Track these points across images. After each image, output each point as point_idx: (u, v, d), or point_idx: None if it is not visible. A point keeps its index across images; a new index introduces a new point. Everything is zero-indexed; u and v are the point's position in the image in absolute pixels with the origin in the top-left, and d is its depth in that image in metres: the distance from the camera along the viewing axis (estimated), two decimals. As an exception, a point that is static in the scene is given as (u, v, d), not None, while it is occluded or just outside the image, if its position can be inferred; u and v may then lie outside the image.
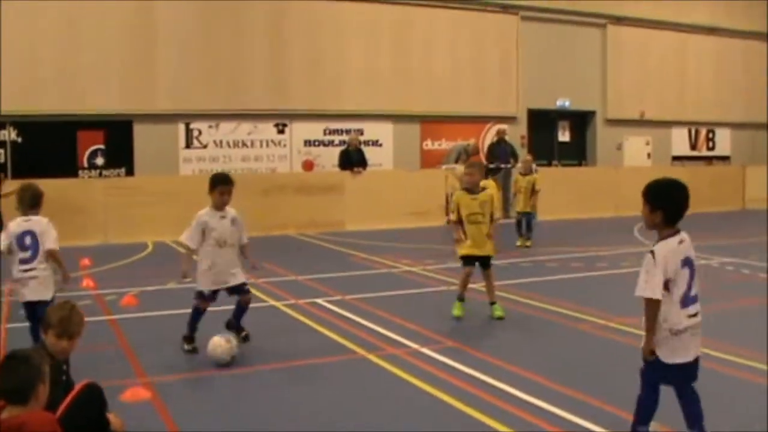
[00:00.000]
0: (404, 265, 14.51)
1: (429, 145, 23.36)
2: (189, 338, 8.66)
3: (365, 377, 7.67)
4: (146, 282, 12.60)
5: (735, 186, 27.38)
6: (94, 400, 5.34)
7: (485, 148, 23.57)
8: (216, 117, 21.01)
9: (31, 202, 8.18)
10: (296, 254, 16.66)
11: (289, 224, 19.67)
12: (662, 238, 5.40)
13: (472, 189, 10.34)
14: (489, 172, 22.86)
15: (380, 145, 22.69)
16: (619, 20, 26.30)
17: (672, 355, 5.32)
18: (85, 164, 20.18)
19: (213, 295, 8.75)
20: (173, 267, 13.82)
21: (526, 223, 17.30)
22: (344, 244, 17.37)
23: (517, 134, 24.25)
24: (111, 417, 5.47)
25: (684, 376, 5.43)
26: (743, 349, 8.22)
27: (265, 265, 13.44)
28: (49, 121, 19.56)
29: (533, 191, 17.27)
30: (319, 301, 11.22)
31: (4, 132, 19.36)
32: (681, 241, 5.42)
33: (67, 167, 19.80)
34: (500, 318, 10.08)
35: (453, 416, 6.51)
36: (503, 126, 23.60)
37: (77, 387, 5.24)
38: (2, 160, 19.27)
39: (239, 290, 8.86)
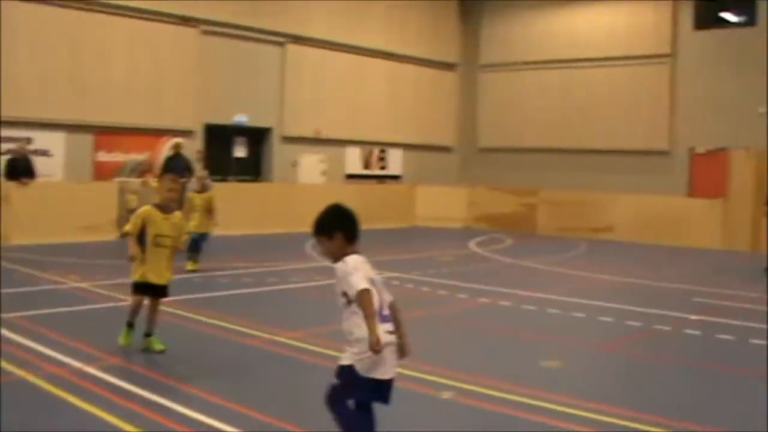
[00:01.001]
0: (71, 280, 14.02)
1: (103, 156, 22.72)
2: None
3: (24, 400, 7.33)
4: None
5: (406, 204, 28.64)
6: None
7: (161, 162, 23.24)
8: None
9: None
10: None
11: (-53, 237, 18.52)
12: (347, 255, 5.50)
13: (166, 207, 9.26)
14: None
15: (51, 155, 21.78)
16: (298, 40, 26.79)
17: (373, 369, 5.33)
18: None
19: None
20: None
21: (195, 244, 15.41)
22: (8, 259, 16.51)
23: (193, 148, 24.07)
24: None
25: (381, 394, 5.47)
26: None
27: None
28: None
29: (210, 210, 16.02)
30: (-23, 319, 10.63)
31: None
32: (364, 261, 5.54)
33: None
34: (162, 351, 9.05)
35: (113, 436, 6.38)
36: (180, 139, 23.37)
37: None
38: None
39: None
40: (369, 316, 5.20)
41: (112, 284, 13.65)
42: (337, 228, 5.53)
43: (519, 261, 19.18)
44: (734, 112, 25.56)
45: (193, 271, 15.32)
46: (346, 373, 5.38)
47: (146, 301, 9.29)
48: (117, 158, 22.75)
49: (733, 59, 25.76)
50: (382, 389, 5.43)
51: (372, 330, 5.15)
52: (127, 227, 9.21)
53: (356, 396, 5.53)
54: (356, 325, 5.30)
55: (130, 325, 9.28)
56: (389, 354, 5.38)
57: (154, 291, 9.26)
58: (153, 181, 21.93)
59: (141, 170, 22.57)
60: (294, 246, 19.86)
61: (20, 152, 20.44)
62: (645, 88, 27.72)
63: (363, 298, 5.23)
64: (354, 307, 5.32)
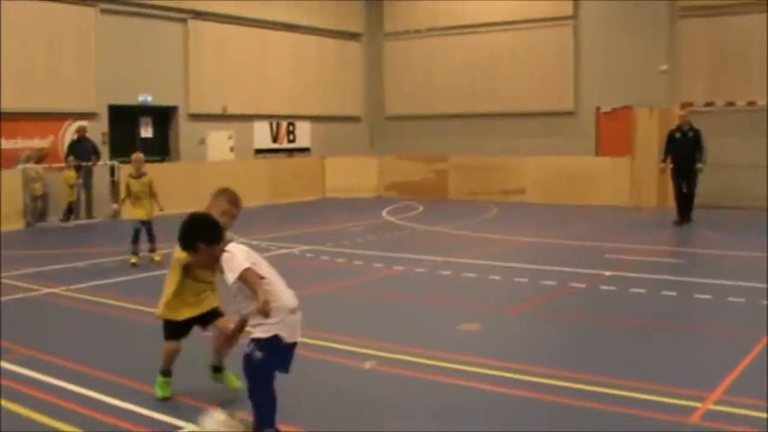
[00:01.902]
0: (-21, 273, 13.68)
1: (4, 144, 22.14)
2: None
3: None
4: None
5: (316, 177, 28.55)
6: None
7: (65, 146, 22.78)
8: None
9: None
10: None
11: None
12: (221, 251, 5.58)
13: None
14: (78, 171, 22.26)
15: (-52, 145, 21.19)
16: (199, 15, 26.40)
17: (292, 333, 5.52)
18: None
19: None
20: None
21: (147, 233, 14.54)
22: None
23: (98, 131, 23.63)
24: None
25: (291, 356, 5.63)
26: (346, 335, 8.59)
27: None
28: None
29: (151, 194, 14.77)
30: None
31: None
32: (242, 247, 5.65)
33: None
34: (236, 390, 6.82)
35: (28, 427, 6.26)
36: (83, 123, 22.93)
37: None
38: None
39: None
40: (258, 292, 5.32)
41: (21, 275, 13.33)
42: (200, 240, 5.60)
43: (432, 227, 19.28)
44: (637, 71, 25.93)
45: (145, 262, 14.27)
46: (270, 343, 5.45)
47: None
48: (19, 145, 22.18)
49: (634, 19, 26.10)
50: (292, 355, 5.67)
51: (262, 299, 5.28)
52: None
53: (282, 368, 5.64)
54: (266, 293, 5.36)
55: (167, 373, 7.04)
56: (298, 318, 5.63)
57: (204, 322, 7.16)
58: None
59: (38, 157, 22.02)
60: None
61: None
62: (549, 50, 27.97)
63: (243, 280, 5.37)
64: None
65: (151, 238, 14.63)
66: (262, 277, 5.41)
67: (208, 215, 5.88)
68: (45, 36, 22.69)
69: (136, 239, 14.42)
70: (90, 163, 22.45)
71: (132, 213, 14.90)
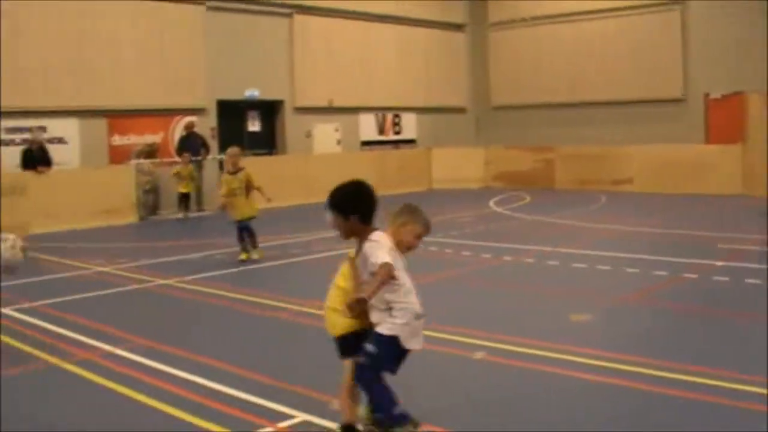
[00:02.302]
0: (95, 265, 14.05)
1: (117, 140, 22.70)
2: None
3: (59, 385, 7.37)
4: None
5: (422, 168, 28.54)
6: None
7: (176, 142, 23.25)
8: None
9: None
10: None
11: (-31, 230, 18.52)
12: (366, 238, 5.34)
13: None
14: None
15: (66, 142, 21.80)
16: (304, 10, 26.62)
17: (412, 339, 5.36)
18: None
19: None
20: None
21: (246, 230, 14.03)
22: (30, 248, 16.53)
23: (207, 126, 24.06)
24: None
25: (403, 360, 5.45)
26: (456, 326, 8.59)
27: None
28: None
29: (249, 189, 14.15)
30: (6, 310, 10.65)
31: None
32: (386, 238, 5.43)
33: None
34: None
35: (146, 413, 6.42)
36: (192, 118, 23.37)
37: None
38: None
39: None
40: (372, 291, 5.08)
41: (135, 266, 13.70)
42: (353, 211, 5.36)
43: (540, 217, 19.11)
44: (747, 55, 25.26)
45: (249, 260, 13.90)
46: (388, 342, 5.32)
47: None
48: (131, 141, 22.73)
49: (743, 2, 25.43)
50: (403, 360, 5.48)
51: (371, 292, 5.07)
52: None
53: (391, 368, 5.44)
54: (397, 293, 5.29)
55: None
56: (422, 325, 5.47)
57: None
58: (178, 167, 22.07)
59: (149, 152, 22.52)
60: (314, 216, 19.66)
61: (35, 141, 20.45)
62: (656, 36, 27.44)
63: (379, 270, 5.10)
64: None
65: (251, 234, 14.03)
66: (393, 278, 5.19)
67: (373, 191, 5.47)
68: (155, 35, 23.18)
69: (241, 237, 14.02)
70: (199, 158, 22.87)
71: (231, 214, 14.20)
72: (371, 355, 5.30)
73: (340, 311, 5.40)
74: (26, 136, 20.74)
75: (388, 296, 5.29)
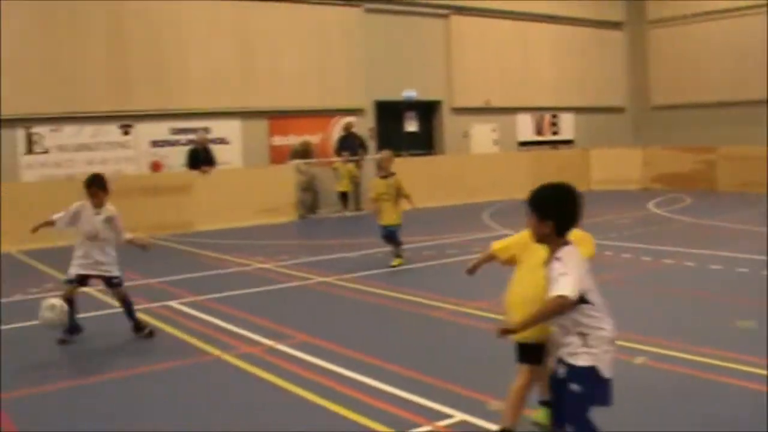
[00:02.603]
0: (257, 262, 14.37)
1: (278, 141, 23.18)
2: (70, 329, 9.09)
3: (221, 378, 7.57)
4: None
5: (580, 169, 28.07)
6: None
7: (334, 142, 23.58)
8: (57, 120, 20.35)
9: None
10: (147, 257, 16.25)
11: (137, 227, 19.03)
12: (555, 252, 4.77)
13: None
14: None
15: (228, 142, 22.40)
16: (461, 10, 26.63)
17: (610, 367, 4.87)
18: None
19: (81, 280, 9.29)
20: (21, 280, 13.43)
21: (393, 236, 13.61)
22: (195, 245, 17.11)
23: (365, 126, 24.32)
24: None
25: (609, 390, 4.92)
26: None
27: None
28: None
29: (399, 196, 13.65)
30: (172, 303, 11.02)
31: None
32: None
33: None
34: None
35: (308, 409, 6.51)
36: (351, 118, 23.66)
37: None
38: None
39: (110, 283, 9.36)
40: (535, 320, 4.76)
41: (295, 264, 13.95)
42: (549, 216, 4.79)
43: (701, 220, 18.54)
44: None
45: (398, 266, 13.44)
46: (589, 375, 4.78)
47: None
48: (291, 141, 23.16)
49: None
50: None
51: (531, 317, 4.75)
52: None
53: (603, 401, 4.91)
54: (591, 318, 4.76)
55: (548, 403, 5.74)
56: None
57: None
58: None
59: (304, 152, 22.85)
60: (471, 217, 19.81)
61: (201, 142, 21.11)
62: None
63: (554, 303, 4.60)
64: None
65: (396, 242, 13.64)
66: (585, 301, 4.68)
67: (578, 199, 4.87)
68: (315, 37, 23.58)
69: (389, 242, 13.69)
70: (357, 158, 23.12)
71: (378, 218, 13.74)
72: (577, 394, 4.78)
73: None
74: (192, 137, 21.43)
75: (581, 319, 4.75)
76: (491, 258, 5.99)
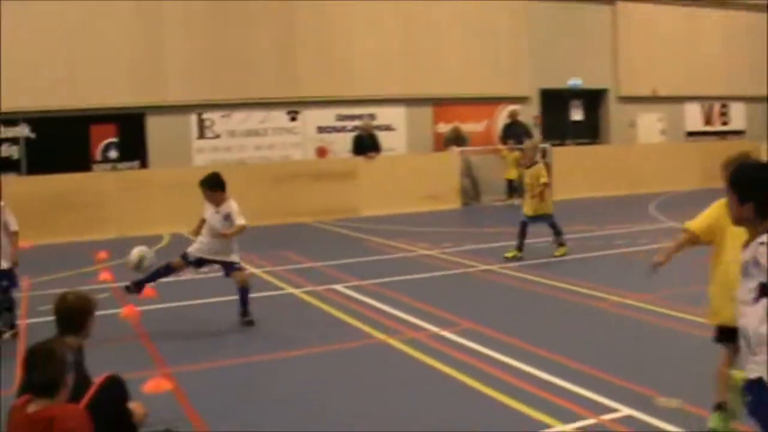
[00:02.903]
0: (421, 248, 14.49)
1: (442, 128, 23.27)
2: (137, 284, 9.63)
3: (385, 361, 7.70)
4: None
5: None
6: (116, 392, 5.36)
7: (499, 130, 23.50)
8: (228, 106, 21.00)
9: None
10: (312, 241, 16.67)
11: (304, 212, 19.63)
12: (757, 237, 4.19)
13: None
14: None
15: (393, 129, 22.63)
16: (629, -3, 26.16)
17: None
18: (99, 158, 20.20)
19: (198, 262, 9.71)
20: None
21: (549, 227, 13.38)
22: (360, 230, 17.36)
23: (529, 114, 24.16)
24: (135, 406, 5.48)
25: None
26: None
27: (282, 253, 13.79)
28: (62, 117, 19.59)
29: (540, 185, 13.33)
30: (337, 287, 11.23)
31: (18, 129, 19.40)
32: None
33: (81, 161, 19.82)
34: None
35: (473, 397, 6.55)
36: (515, 106, 23.54)
37: (99, 379, 5.24)
38: (16, 156, 19.31)
39: (230, 268, 9.50)
40: None
41: (459, 251, 14.00)
42: (750, 197, 4.24)
43: None
44: None
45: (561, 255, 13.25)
46: (755, 388, 4.12)
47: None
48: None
49: None
50: None
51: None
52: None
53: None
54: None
55: (723, 407, 5.56)
56: None
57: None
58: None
59: (454, 138, 22.79)
60: (638, 208, 19.42)
61: (366, 129, 21.38)
62: None
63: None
64: None
65: (555, 231, 13.34)
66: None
67: None
68: (480, 24, 23.54)
69: (520, 232, 13.25)
70: (521, 146, 22.96)
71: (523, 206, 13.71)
72: (749, 404, 4.20)
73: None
74: (357, 123, 21.73)
75: (754, 323, 4.14)
76: (690, 242, 5.78)
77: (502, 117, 23.78)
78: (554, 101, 25.21)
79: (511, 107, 23.52)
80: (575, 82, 25.19)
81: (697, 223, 5.75)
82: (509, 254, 13.09)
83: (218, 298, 10.40)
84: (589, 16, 25.58)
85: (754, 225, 4.27)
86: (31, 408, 4.30)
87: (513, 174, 22.42)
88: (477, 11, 23.49)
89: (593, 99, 26.35)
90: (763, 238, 4.13)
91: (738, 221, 4.39)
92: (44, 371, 4.32)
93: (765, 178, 4.31)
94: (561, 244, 13.38)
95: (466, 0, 23.29)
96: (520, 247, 13.14)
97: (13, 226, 9.26)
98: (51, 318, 5.24)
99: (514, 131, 22.94)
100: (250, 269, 12.22)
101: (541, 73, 24.36)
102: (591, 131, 26.37)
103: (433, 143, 23.09)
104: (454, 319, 9.03)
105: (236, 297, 9.34)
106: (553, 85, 24.78)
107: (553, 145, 22.73)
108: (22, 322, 9.57)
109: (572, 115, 26.09)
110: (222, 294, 10.19)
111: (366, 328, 8.82)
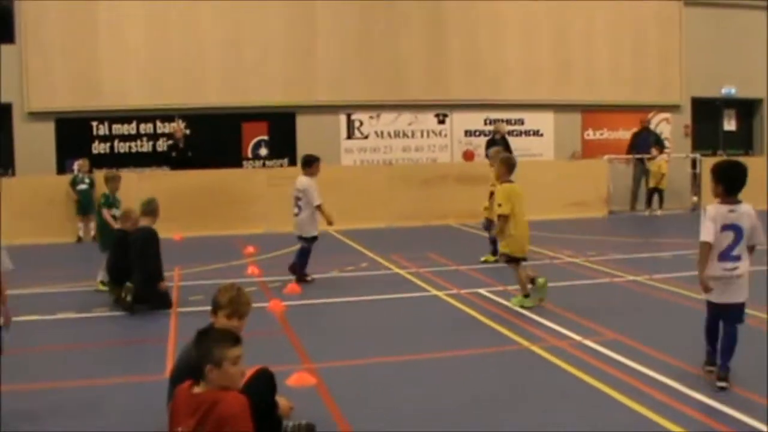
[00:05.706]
0: (565, 255, 14.39)
1: (590, 134, 23.03)
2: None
3: (528, 368, 7.68)
4: (311, 270, 12.72)
5: None
6: (266, 385, 5.53)
7: (630, 137, 23.04)
8: (377, 108, 21.28)
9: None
10: (456, 244, 16.71)
11: (449, 214, 19.69)
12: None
13: None
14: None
15: (541, 135, 22.52)
16: (787, 2, 25.34)
17: (718, 296, 6.92)
18: (250, 155, 20.72)
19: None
20: (336, 256, 14.16)
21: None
22: (503, 235, 17.26)
23: (680, 123, 23.67)
24: (281, 400, 5.64)
25: (727, 315, 6.97)
26: None
27: (427, 255, 14.04)
28: (215, 114, 20.16)
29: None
30: (482, 291, 11.26)
31: (173, 124, 20.05)
32: (731, 210, 6.77)
33: (233, 158, 20.37)
34: None
35: (612, 407, 6.48)
36: (665, 114, 23.14)
37: (250, 371, 5.40)
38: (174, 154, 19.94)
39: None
40: (699, 269, 6.90)
41: (604, 260, 13.83)
42: (719, 181, 6.86)
43: None
44: None
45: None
46: None
47: None
48: (604, 136, 22.94)
49: None
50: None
51: (699, 276, 6.89)
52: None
53: None
54: None
55: None
56: (722, 285, 6.98)
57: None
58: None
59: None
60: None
61: (498, 132, 21.14)
62: None
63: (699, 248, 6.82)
64: None
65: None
66: None
67: (741, 168, 7.12)
68: (630, 31, 23.23)
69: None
70: (647, 155, 22.29)
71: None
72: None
73: None
74: (490, 128, 21.71)
75: None
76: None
77: (653, 125, 23.37)
78: (706, 110, 24.63)
79: (661, 115, 23.11)
80: (729, 90, 24.55)
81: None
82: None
83: (360, 297, 10.57)
84: (744, 22, 24.88)
85: (721, 198, 6.84)
86: (196, 389, 4.49)
87: (656, 183, 21.99)
88: (628, 17, 23.21)
89: (748, 108, 25.63)
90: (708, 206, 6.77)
91: (715, 196, 6.83)
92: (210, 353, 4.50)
93: (730, 170, 7.02)
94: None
95: (618, 6, 22.98)
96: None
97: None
98: (200, 308, 5.41)
99: (642, 140, 22.43)
100: (395, 270, 12.40)
101: (692, 81, 23.88)
102: (744, 142, 25.65)
103: (581, 150, 22.86)
104: (598, 329, 8.93)
105: (379, 297, 9.45)
106: (706, 93, 24.21)
107: (704, 155, 22.19)
108: (173, 311, 9.92)
109: (725, 125, 25.42)
110: (365, 294, 10.33)
111: (509, 334, 8.82)
